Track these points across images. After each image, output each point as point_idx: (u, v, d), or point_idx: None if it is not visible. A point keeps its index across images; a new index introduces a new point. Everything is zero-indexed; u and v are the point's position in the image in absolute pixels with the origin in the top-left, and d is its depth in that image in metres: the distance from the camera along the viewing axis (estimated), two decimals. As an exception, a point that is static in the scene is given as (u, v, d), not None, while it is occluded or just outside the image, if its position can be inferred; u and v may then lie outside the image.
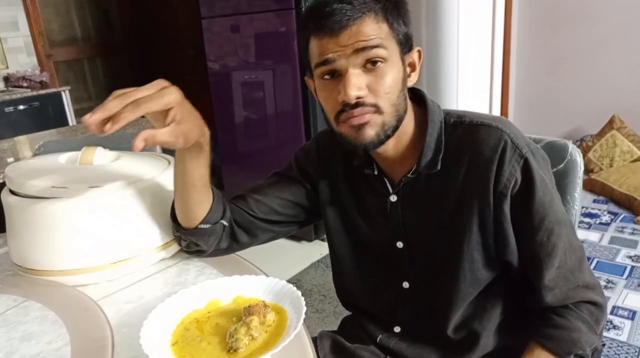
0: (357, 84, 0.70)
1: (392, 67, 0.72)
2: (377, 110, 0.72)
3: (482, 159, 0.74)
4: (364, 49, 0.69)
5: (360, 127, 0.73)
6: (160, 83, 0.70)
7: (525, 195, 0.73)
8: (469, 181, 0.76)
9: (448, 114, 0.81)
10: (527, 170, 0.73)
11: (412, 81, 0.77)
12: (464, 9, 2.39)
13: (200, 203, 0.84)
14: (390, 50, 0.71)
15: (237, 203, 0.91)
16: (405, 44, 0.74)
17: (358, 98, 0.70)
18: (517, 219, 0.75)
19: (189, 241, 0.88)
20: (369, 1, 0.70)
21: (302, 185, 0.92)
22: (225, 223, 0.88)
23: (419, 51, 0.77)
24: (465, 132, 0.77)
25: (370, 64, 0.70)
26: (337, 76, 0.72)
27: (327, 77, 0.73)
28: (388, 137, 0.75)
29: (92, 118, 0.63)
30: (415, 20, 2.61)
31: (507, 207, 0.75)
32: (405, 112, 0.76)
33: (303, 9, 2.44)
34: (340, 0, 0.69)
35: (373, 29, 0.70)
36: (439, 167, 0.77)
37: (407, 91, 0.78)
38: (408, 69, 0.76)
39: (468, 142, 0.76)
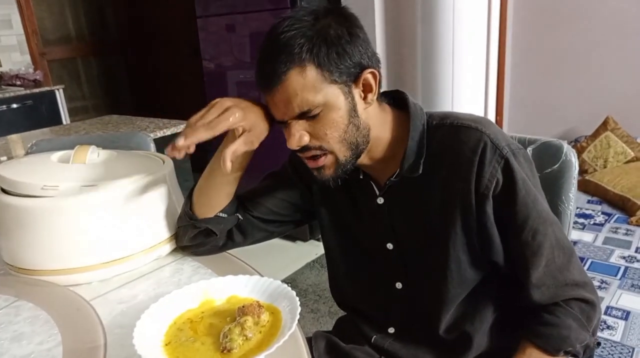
0: (296, 136, 0.74)
1: (330, 108, 0.72)
2: (325, 152, 0.75)
3: (462, 160, 0.75)
4: (292, 105, 0.71)
5: (317, 169, 0.78)
6: (224, 103, 0.77)
7: (508, 195, 0.74)
8: (451, 183, 0.76)
9: (431, 116, 0.81)
10: (508, 170, 0.73)
11: (371, 101, 0.75)
12: (459, 9, 2.39)
13: (229, 194, 0.90)
14: (324, 94, 0.70)
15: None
16: (349, 76, 0.72)
17: (300, 145, 0.74)
18: (500, 219, 0.76)
19: (199, 231, 0.89)
20: (293, 56, 0.68)
21: (296, 187, 0.92)
22: (240, 216, 0.91)
23: (371, 73, 0.74)
24: (447, 134, 0.78)
25: (306, 115, 0.72)
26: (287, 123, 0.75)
27: (280, 124, 0.76)
28: (348, 170, 0.78)
29: (181, 144, 0.74)
30: (411, 20, 2.61)
31: (489, 208, 0.75)
32: (365, 136, 0.76)
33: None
34: (266, 60, 0.71)
35: (299, 84, 0.69)
36: (420, 171, 0.77)
37: (386, 96, 0.81)
38: (362, 94, 0.74)
39: (449, 144, 0.77)
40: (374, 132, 0.77)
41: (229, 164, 0.77)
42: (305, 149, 0.75)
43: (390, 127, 0.80)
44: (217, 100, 0.78)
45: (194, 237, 0.90)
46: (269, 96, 0.73)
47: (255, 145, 0.81)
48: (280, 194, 0.92)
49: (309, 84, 0.69)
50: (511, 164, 0.73)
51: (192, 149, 0.76)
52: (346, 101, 0.73)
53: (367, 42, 0.74)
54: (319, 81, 0.70)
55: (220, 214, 0.89)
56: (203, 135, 0.75)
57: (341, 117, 0.73)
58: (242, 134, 0.78)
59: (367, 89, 0.75)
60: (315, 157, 0.76)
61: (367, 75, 0.73)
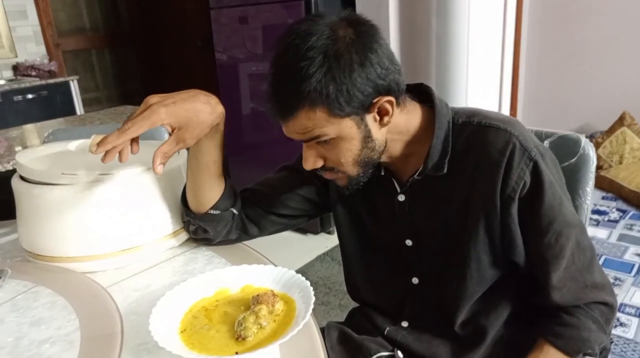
0: (310, 160, 0.75)
1: (343, 139, 0.71)
2: (337, 172, 0.76)
3: (489, 162, 0.73)
4: (305, 136, 0.71)
5: (331, 179, 0.78)
6: (148, 101, 0.74)
7: (534, 197, 0.73)
8: (476, 183, 0.75)
9: (457, 113, 0.79)
10: (536, 173, 0.72)
11: (387, 122, 0.73)
12: (475, 3, 2.36)
13: (212, 188, 0.86)
14: (336, 129, 0.69)
15: (247, 196, 0.92)
16: (361, 107, 0.69)
17: (314, 168, 0.75)
18: (525, 221, 0.75)
19: (197, 226, 0.89)
20: (302, 97, 0.66)
21: (313, 183, 0.92)
22: (235, 211, 0.89)
23: (388, 101, 0.70)
24: (473, 133, 0.76)
25: (320, 142, 0.72)
26: None
27: None
28: (362, 181, 0.78)
29: (94, 151, 0.72)
30: (425, 14, 2.59)
31: (514, 209, 0.74)
32: (381, 152, 0.76)
33: (312, 1, 2.43)
34: (275, 100, 0.70)
35: (308, 122, 0.68)
36: (445, 170, 0.76)
37: (411, 92, 0.79)
38: (377, 117, 0.72)
39: (476, 144, 0.75)
40: (391, 136, 0.76)
41: (158, 168, 0.74)
42: (320, 169, 0.76)
43: (414, 126, 0.78)
44: (147, 97, 0.75)
45: (195, 231, 0.91)
46: (281, 123, 0.72)
47: (190, 143, 0.77)
48: (295, 189, 0.92)
49: (319, 122, 0.68)
50: (539, 167, 0.72)
51: (111, 157, 0.72)
52: (359, 130, 0.71)
53: (385, 61, 0.68)
54: (330, 118, 0.68)
55: (212, 211, 0.87)
56: (117, 140, 0.71)
57: (355, 146, 0.72)
58: (172, 132, 0.75)
59: (382, 113, 0.72)
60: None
61: (383, 102, 0.70)
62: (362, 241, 0.91)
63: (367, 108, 0.70)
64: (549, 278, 0.75)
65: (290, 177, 0.93)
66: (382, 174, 0.83)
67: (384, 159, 0.79)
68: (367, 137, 0.72)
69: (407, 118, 0.77)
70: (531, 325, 0.81)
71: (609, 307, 0.77)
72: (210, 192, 0.86)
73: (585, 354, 0.77)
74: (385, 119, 0.72)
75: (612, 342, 1.03)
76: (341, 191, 0.80)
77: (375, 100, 0.69)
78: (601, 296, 0.77)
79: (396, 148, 0.78)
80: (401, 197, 0.82)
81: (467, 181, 0.76)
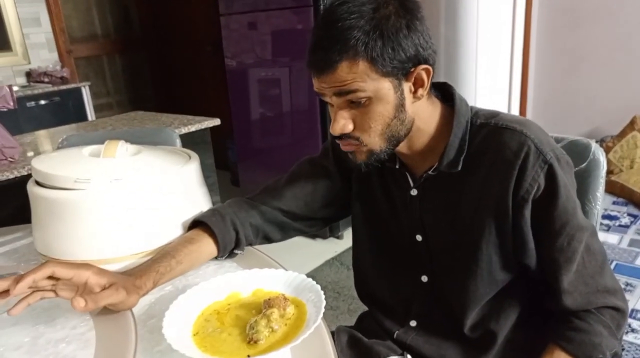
0: (341, 122, 0.74)
1: (378, 102, 0.72)
2: (361, 143, 0.75)
3: (503, 163, 0.74)
4: (340, 93, 0.71)
5: (349, 152, 0.78)
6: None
7: (548, 200, 0.73)
8: (489, 183, 0.76)
9: (476, 113, 0.80)
10: (551, 176, 0.72)
11: (420, 96, 0.75)
12: (483, 6, 2.37)
13: (202, 259, 0.87)
14: (374, 87, 0.70)
15: (269, 204, 0.94)
16: (401, 70, 0.71)
17: (342, 133, 0.74)
18: (538, 223, 0.75)
19: None
20: (347, 48, 0.67)
21: (334, 176, 0.93)
22: (241, 251, 0.91)
23: (425, 69, 0.73)
24: (490, 134, 0.77)
25: (354, 103, 0.72)
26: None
27: (327, 102, 0.76)
28: (382, 158, 0.77)
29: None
30: (434, 18, 2.59)
31: (527, 211, 0.74)
32: (408, 129, 0.76)
33: (321, 6, 2.44)
34: (319, 46, 0.70)
35: (349, 74, 0.69)
36: (459, 168, 0.77)
37: (433, 88, 0.80)
38: (412, 88, 0.74)
39: (491, 145, 0.76)
40: (417, 123, 0.77)
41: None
42: (344, 136, 0.75)
43: (435, 121, 0.79)
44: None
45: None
46: (318, 79, 0.72)
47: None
48: (318, 191, 0.93)
49: (359, 76, 0.69)
50: (554, 169, 0.72)
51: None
52: (395, 95, 0.72)
53: (426, 35, 0.72)
54: (371, 74, 0.69)
55: (220, 258, 0.90)
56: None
57: (388, 111, 0.73)
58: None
59: (418, 84, 0.74)
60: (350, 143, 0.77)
61: (421, 71, 0.72)
62: (376, 235, 0.92)
63: (406, 74, 0.72)
64: (560, 281, 0.75)
65: (313, 176, 0.94)
66: (397, 167, 0.84)
67: (403, 149, 0.79)
68: (401, 106, 0.73)
69: (432, 109, 0.79)
70: (541, 331, 0.80)
71: (621, 312, 0.77)
72: (205, 257, 0.87)
73: None
74: (420, 91, 0.74)
75: (623, 349, 1.02)
76: (358, 165, 0.79)
77: (413, 69, 0.72)
78: (612, 301, 0.77)
79: (417, 140, 0.79)
80: (413, 192, 0.83)
81: (480, 181, 0.76)
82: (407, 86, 0.73)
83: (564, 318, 0.78)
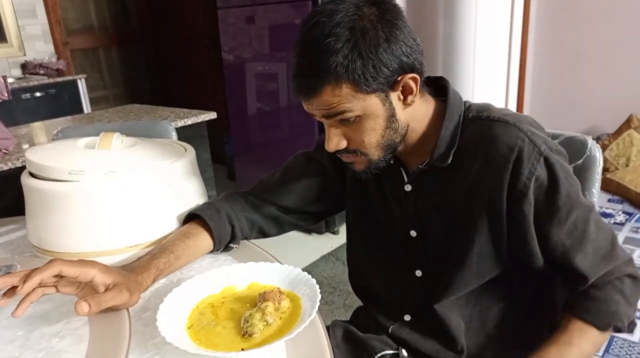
0: (334, 140, 0.74)
1: (368, 118, 0.71)
2: (359, 155, 0.76)
3: (497, 156, 0.73)
4: (329, 115, 0.72)
5: (349, 162, 0.79)
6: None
7: (552, 190, 0.73)
8: (482, 176, 0.75)
9: (469, 108, 0.80)
10: (550, 166, 0.72)
11: (411, 102, 0.74)
12: (482, 2, 2.36)
13: (198, 253, 0.88)
14: (362, 106, 0.70)
15: (264, 198, 0.94)
16: (386, 84, 0.70)
17: (337, 149, 0.75)
18: (543, 216, 0.74)
19: None
20: (328, 73, 0.66)
21: (329, 171, 0.93)
22: (236, 245, 0.92)
23: (412, 78, 0.71)
24: (481, 127, 0.76)
25: (344, 121, 0.72)
26: None
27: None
28: (381, 166, 0.78)
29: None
30: (433, 14, 2.59)
31: (527, 207, 0.73)
32: (403, 134, 0.76)
33: (319, 0, 2.43)
34: (300, 75, 0.70)
35: (334, 98, 0.68)
36: (449, 161, 0.77)
37: (428, 83, 0.80)
38: (401, 96, 0.73)
39: (483, 138, 0.75)
40: (412, 125, 0.77)
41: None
42: (342, 151, 0.76)
43: (428, 117, 0.79)
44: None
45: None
46: (305, 102, 0.72)
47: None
48: (313, 185, 0.93)
49: (344, 98, 0.69)
50: (551, 160, 0.72)
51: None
52: (384, 108, 0.72)
53: (409, 40, 0.70)
54: (355, 94, 0.69)
55: (215, 252, 0.91)
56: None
57: (379, 124, 0.73)
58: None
59: (407, 91, 0.73)
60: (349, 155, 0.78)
61: (407, 80, 0.71)
62: (370, 231, 0.92)
63: (392, 85, 0.71)
64: (578, 265, 0.74)
65: (308, 166, 0.94)
66: (392, 162, 0.83)
67: (400, 146, 0.79)
68: (392, 117, 0.73)
69: (425, 107, 0.78)
70: (528, 325, 0.80)
71: (636, 280, 0.77)
72: (201, 252, 0.88)
73: (614, 328, 0.76)
74: (409, 98, 0.73)
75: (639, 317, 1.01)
76: (357, 175, 0.80)
77: (399, 78, 0.70)
78: (630, 269, 0.76)
79: (411, 137, 0.79)
80: (408, 187, 0.83)
81: (473, 174, 0.76)
82: (394, 95, 0.72)
83: (581, 292, 0.77)
